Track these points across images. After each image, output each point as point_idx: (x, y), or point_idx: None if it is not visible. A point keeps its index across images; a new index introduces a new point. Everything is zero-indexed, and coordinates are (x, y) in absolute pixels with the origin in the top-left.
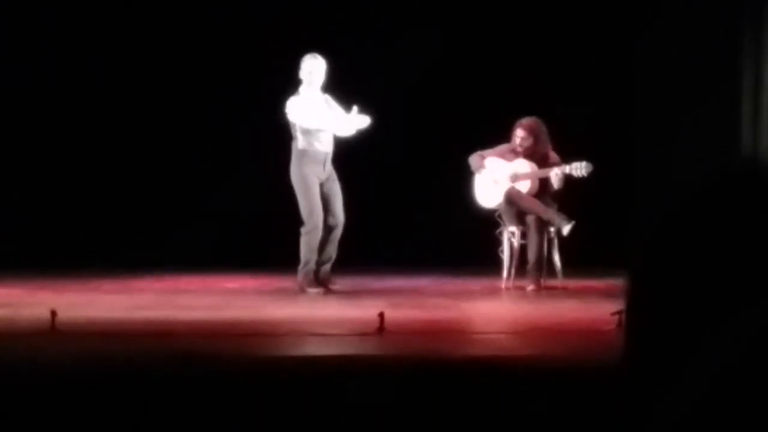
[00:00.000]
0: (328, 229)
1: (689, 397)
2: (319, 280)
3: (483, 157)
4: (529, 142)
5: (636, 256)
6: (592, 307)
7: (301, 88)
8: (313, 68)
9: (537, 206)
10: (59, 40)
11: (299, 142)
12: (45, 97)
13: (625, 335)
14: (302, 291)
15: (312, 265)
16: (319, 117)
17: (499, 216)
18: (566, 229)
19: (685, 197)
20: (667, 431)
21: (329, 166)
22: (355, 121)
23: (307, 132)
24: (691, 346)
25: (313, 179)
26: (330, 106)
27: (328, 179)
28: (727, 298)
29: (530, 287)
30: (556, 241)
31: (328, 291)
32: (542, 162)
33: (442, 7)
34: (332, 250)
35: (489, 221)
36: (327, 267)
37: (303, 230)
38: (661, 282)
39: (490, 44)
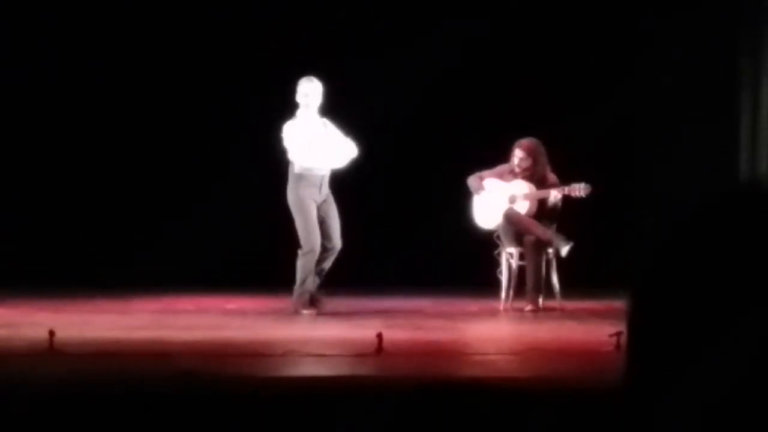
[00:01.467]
0: (324, 251)
1: (691, 416)
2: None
3: (482, 178)
4: (527, 163)
5: (636, 275)
6: (591, 329)
7: (298, 112)
8: (309, 91)
9: (535, 227)
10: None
11: (296, 166)
12: (38, 113)
13: (625, 356)
14: (296, 312)
15: (308, 287)
16: (310, 156)
17: (498, 237)
18: (564, 250)
19: (684, 216)
20: None
21: (326, 189)
22: (344, 151)
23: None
24: (693, 365)
25: (310, 201)
26: (327, 129)
27: (324, 202)
28: (728, 316)
29: (528, 308)
30: (554, 263)
31: (320, 312)
32: (541, 183)
33: (437, 27)
34: (323, 272)
35: (487, 242)
36: (314, 288)
37: (300, 252)
38: (661, 303)
39: (488, 64)
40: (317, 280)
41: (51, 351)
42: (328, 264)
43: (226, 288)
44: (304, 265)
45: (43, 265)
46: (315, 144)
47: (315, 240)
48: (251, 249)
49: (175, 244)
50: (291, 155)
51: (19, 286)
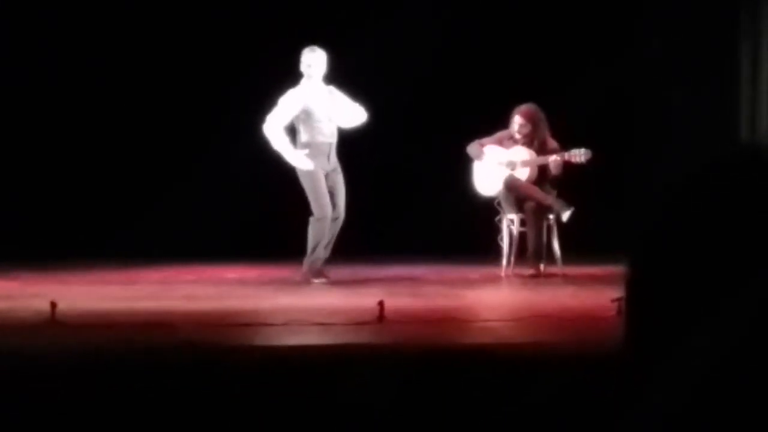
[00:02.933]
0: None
1: (688, 383)
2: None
3: (482, 145)
4: (527, 129)
5: (635, 242)
6: (592, 294)
7: (302, 81)
8: (312, 61)
9: (536, 193)
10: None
11: (302, 135)
12: (41, 93)
13: (624, 321)
14: (307, 282)
15: (319, 254)
16: (282, 141)
17: (498, 203)
18: (565, 216)
19: (683, 183)
20: (666, 417)
21: (333, 158)
22: (353, 116)
23: (308, 124)
24: (690, 332)
25: (319, 171)
26: (333, 96)
27: (333, 171)
28: (726, 283)
29: (530, 272)
30: (555, 228)
31: (329, 281)
32: (541, 149)
33: None
34: (330, 243)
35: (488, 209)
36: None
37: (312, 219)
38: (660, 268)
39: (486, 31)
40: (328, 251)
41: (53, 322)
42: (334, 233)
43: (227, 258)
44: (316, 232)
45: (44, 236)
46: (314, 114)
47: (326, 207)
48: (251, 218)
49: (177, 214)
50: (298, 120)
51: (20, 258)
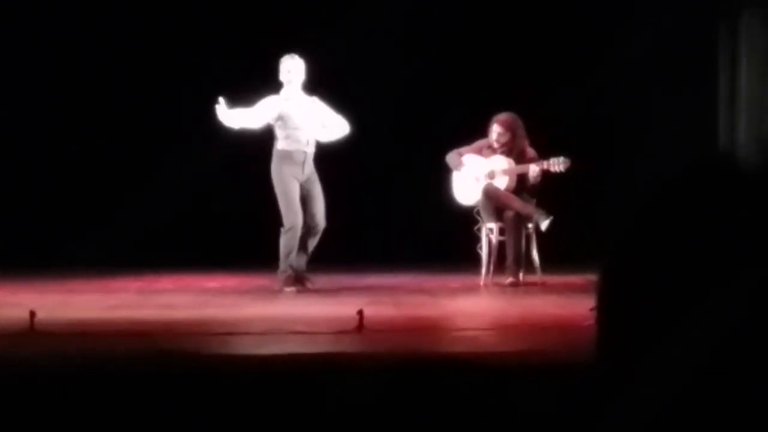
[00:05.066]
0: (307, 229)
1: (661, 392)
2: (295, 279)
3: (460, 155)
4: (506, 138)
5: (607, 250)
6: (571, 303)
7: (282, 90)
8: (292, 68)
9: (515, 202)
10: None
11: (279, 143)
12: (16, 103)
13: (597, 330)
14: (279, 291)
15: (290, 264)
16: (229, 114)
17: (478, 212)
18: (544, 225)
19: (657, 190)
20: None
21: (309, 167)
22: (336, 129)
23: (284, 130)
24: (662, 340)
25: (292, 179)
26: (316, 106)
27: (307, 180)
28: (699, 291)
29: (509, 280)
30: (534, 237)
31: (304, 289)
32: (519, 157)
33: (419, 4)
34: (309, 251)
35: (467, 218)
36: (303, 266)
37: (282, 230)
38: (631, 276)
39: (465, 41)
40: (303, 258)
41: (32, 331)
42: (313, 242)
43: (206, 266)
44: (286, 243)
45: (21, 245)
46: (291, 121)
47: (296, 218)
48: (231, 227)
49: (155, 223)
50: (276, 127)
51: None
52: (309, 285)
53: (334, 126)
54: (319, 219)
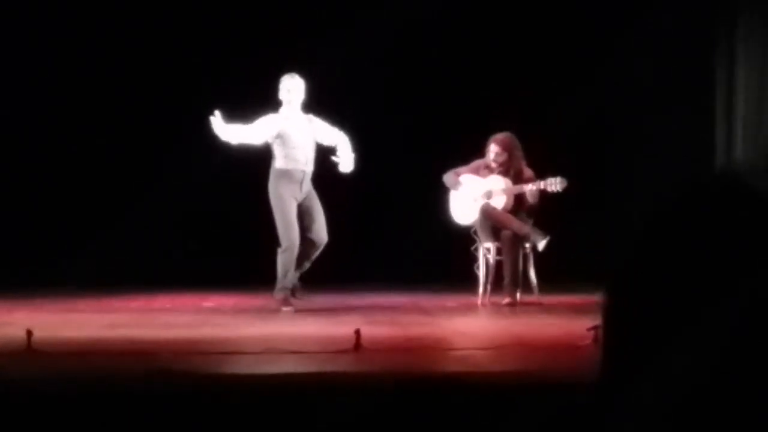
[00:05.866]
0: (308, 244)
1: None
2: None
3: (458, 174)
4: (503, 158)
5: (611, 269)
6: (568, 323)
7: (281, 109)
8: (291, 87)
9: (512, 222)
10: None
11: (277, 161)
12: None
13: (601, 350)
14: (277, 310)
15: (288, 283)
16: (225, 128)
17: (475, 232)
18: (541, 245)
19: (658, 208)
20: None
21: (307, 186)
22: (341, 147)
23: (283, 149)
24: (666, 360)
25: (289, 198)
26: (314, 125)
27: (306, 198)
28: (702, 311)
29: (506, 301)
30: (531, 257)
31: (299, 301)
32: (517, 177)
33: (415, 21)
34: (305, 266)
35: (465, 238)
36: (294, 278)
37: (279, 250)
38: (636, 296)
39: (463, 60)
40: (297, 274)
41: (29, 351)
42: (312, 258)
43: (204, 286)
44: (284, 262)
45: (19, 264)
46: (290, 140)
47: (293, 237)
48: (229, 246)
49: (153, 242)
50: (274, 146)
51: None
52: (298, 295)
53: (333, 139)
54: (321, 235)
